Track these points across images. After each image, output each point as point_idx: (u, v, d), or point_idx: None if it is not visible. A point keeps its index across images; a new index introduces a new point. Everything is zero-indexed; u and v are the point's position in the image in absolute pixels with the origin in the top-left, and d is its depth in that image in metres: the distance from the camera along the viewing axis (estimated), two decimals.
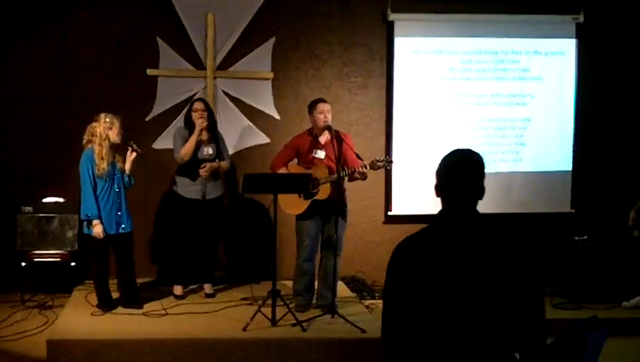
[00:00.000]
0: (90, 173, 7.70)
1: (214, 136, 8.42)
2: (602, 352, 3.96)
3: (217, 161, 8.39)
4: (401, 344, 3.46)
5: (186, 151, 8.15)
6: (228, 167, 8.71)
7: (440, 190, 3.53)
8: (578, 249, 9.11)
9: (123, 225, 7.90)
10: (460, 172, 3.49)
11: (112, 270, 8.12)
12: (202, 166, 8.23)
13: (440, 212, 3.53)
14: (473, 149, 3.55)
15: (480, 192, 3.49)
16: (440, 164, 3.55)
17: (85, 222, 7.85)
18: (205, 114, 8.27)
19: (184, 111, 8.68)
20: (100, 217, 7.72)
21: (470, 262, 3.35)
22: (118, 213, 7.85)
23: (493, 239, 3.43)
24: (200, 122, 8.18)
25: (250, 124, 9.57)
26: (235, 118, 9.52)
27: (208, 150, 8.32)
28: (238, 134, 9.51)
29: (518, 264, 3.37)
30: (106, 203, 7.79)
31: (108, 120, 7.77)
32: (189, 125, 8.29)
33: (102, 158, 7.71)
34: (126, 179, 7.93)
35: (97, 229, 7.71)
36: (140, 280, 8.70)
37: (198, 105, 8.32)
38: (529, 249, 3.43)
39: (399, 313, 3.46)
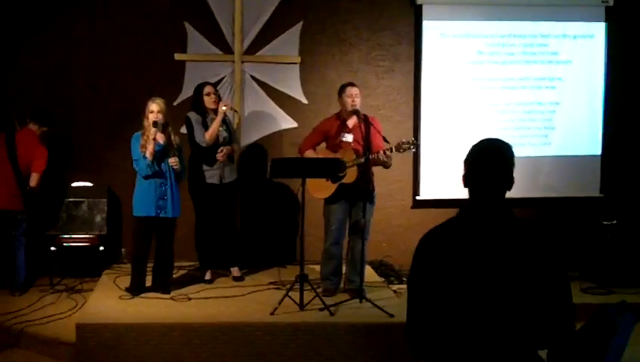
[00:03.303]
0: (139, 150, 7.77)
1: (224, 120, 8.44)
2: (632, 337, 3.94)
3: (229, 144, 8.46)
4: (426, 337, 3.44)
5: (211, 134, 8.17)
6: (239, 150, 8.83)
7: (467, 180, 3.51)
8: (607, 233, 9.04)
9: (165, 210, 7.90)
10: (487, 162, 3.45)
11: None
12: (220, 150, 8.27)
13: (467, 202, 3.51)
14: (502, 139, 3.52)
15: (508, 183, 3.46)
16: (468, 154, 3.52)
17: (135, 203, 7.93)
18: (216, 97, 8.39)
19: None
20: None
21: (496, 254, 3.33)
22: (162, 198, 7.85)
23: (518, 231, 3.41)
24: (222, 105, 8.26)
25: (278, 108, 9.57)
26: (262, 102, 9.53)
27: (222, 134, 8.36)
28: (265, 119, 9.52)
29: (543, 255, 3.35)
30: (148, 184, 7.83)
31: (149, 103, 7.84)
32: (201, 110, 8.33)
33: (143, 138, 7.79)
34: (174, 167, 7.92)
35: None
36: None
37: (211, 89, 8.39)
38: (554, 240, 3.39)
39: (425, 305, 3.44)
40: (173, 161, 7.83)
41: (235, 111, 8.97)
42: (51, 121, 8.72)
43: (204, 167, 8.31)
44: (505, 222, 3.42)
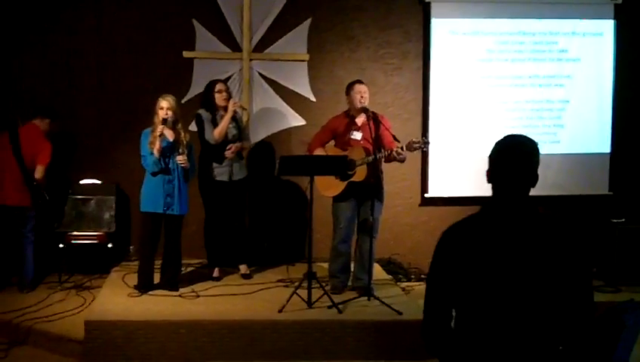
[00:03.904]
0: (147, 146, 7.76)
1: (234, 117, 8.42)
2: None
3: (239, 142, 8.44)
4: (444, 334, 3.43)
5: (219, 132, 8.17)
6: (250, 147, 8.86)
7: (491, 176, 3.48)
8: (616, 231, 9.05)
9: (172, 208, 7.88)
10: (512, 158, 3.42)
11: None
12: (228, 147, 8.26)
13: (490, 198, 3.49)
14: (527, 135, 3.49)
15: (532, 180, 3.43)
16: (492, 149, 3.49)
17: (142, 199, 7.92)
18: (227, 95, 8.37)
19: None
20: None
21: (520, 250, 3.31)
22: (169, 195, 7.82)
23: (542, 227, 3.38)
24: (232, 103, 8.25)
25: (286, 105, 9.57)
26: (270, 100, 9.53)
27: (232, 131, 8.36)
28: (273, 116, 9.53)
29: (569, 252, 3.32)
30: (156, 180, 7.82)
31: (159, 99, 7.83)
32: (211, 107, 8.33)
33: (153, 135, 7.76)
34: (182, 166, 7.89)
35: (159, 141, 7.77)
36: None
37: (222, 87, 8.39)
38: (579, 236, 3.37)
39: (445, 301, 3.42)
40: (180, 159, 7.81)
41: (244, 109, 8.97)
42: (53, 113, 8.69)
43: (214, 165, 8.30)
44: (529, 218, 3.40)
